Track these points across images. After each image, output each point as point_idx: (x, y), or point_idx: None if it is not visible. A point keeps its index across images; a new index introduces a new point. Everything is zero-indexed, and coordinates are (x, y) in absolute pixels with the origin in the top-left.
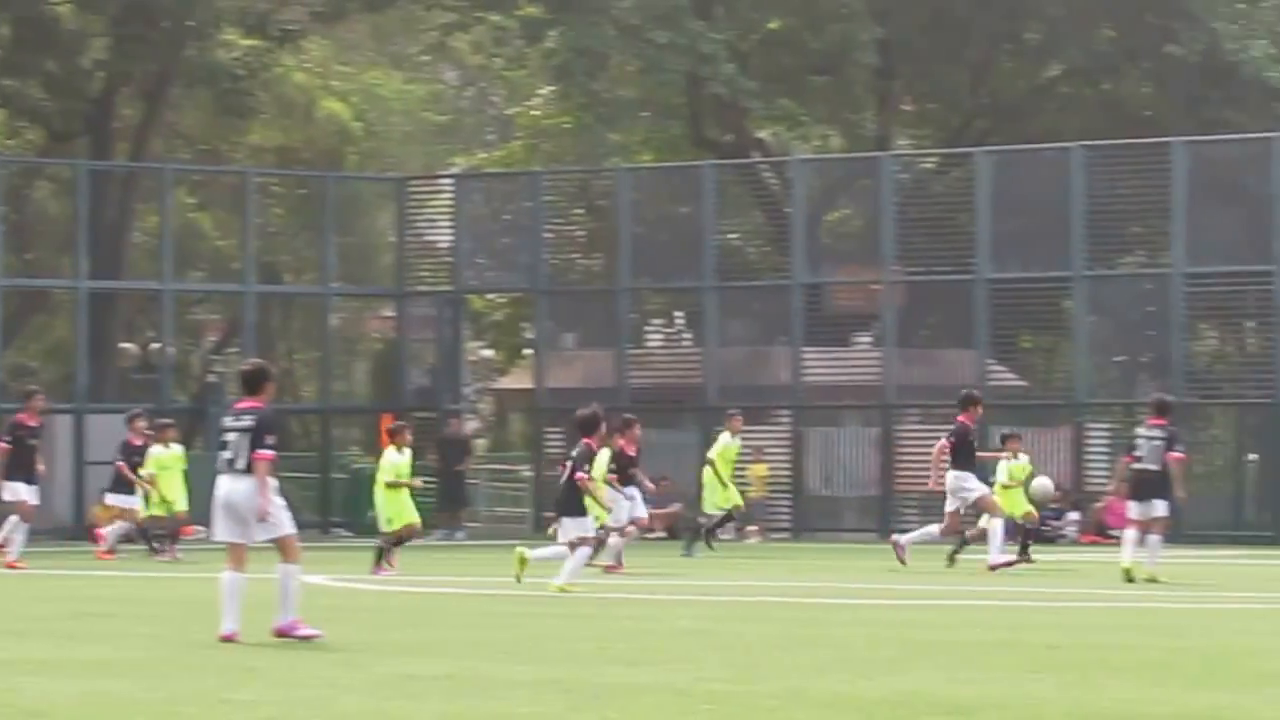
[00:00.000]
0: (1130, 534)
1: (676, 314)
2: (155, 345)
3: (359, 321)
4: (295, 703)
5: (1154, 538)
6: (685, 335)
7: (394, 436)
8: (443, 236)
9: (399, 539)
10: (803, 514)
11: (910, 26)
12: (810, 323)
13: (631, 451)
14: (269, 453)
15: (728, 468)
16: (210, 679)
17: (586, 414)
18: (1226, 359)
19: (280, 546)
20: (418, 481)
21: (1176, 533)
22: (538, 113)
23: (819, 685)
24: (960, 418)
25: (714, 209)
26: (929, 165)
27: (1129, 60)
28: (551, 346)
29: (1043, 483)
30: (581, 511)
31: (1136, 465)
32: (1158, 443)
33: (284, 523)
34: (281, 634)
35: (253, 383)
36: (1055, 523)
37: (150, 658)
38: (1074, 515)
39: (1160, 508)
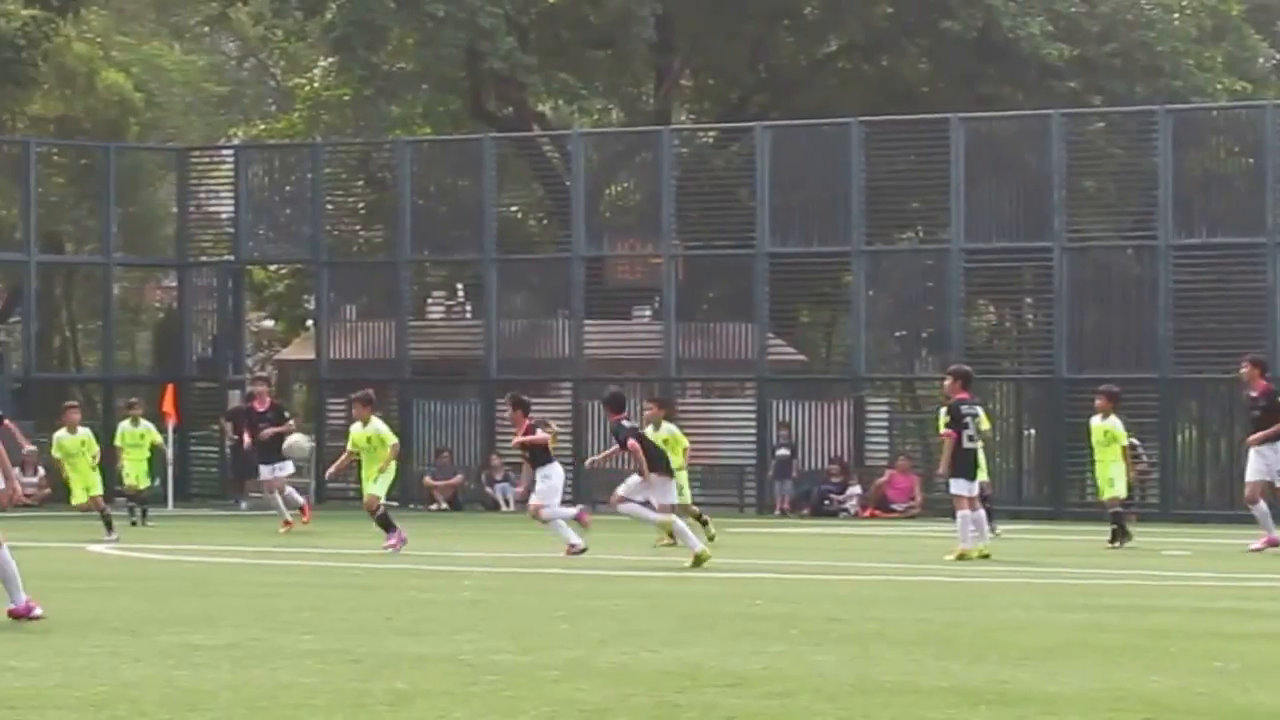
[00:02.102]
0: (974, 514)
1: (458, 286)
2: None
3: (141, 291)
4: (77, 670)
5: (980, 514)
6: (466, 307)
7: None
8: (224, 207)
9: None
10: (586, 484)
11: (689, 1)
12: (590, 296)
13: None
14: None
15: None
16: None
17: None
18: (1005, 335)
19: None
20: None
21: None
22: (318, 85)
23: (602, 656)
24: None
25: (494, 182)
26: (708, 140)
27: (906, 36)
28: (333, 318)
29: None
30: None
31: (969, 444)
32: (980, 419)
33: None
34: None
35: None
36: (837, 497)
37: None
38: (855, 489)
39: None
